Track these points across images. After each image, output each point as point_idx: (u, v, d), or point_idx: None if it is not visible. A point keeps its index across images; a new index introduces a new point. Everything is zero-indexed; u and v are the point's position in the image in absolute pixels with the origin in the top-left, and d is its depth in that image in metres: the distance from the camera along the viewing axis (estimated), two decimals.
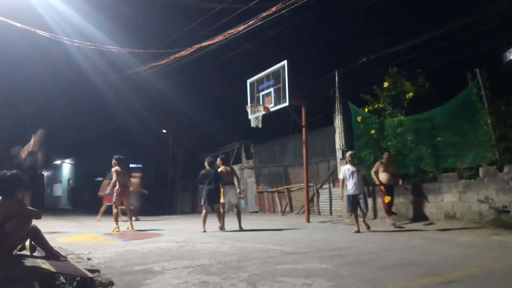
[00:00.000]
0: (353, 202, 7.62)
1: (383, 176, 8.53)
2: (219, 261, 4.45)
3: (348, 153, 7.97)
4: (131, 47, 13.14)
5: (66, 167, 36.81)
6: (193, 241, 6.36)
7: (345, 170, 7.79)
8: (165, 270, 3.98)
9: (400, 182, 8.84)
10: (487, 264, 4.08)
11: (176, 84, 20.81)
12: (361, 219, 7.76)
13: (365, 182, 7.83)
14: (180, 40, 13.41)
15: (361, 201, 7.54)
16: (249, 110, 11.14)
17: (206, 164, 8.44)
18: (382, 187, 8.54)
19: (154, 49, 13.43)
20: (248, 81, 11.54)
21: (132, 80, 16.41)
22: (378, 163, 8.77)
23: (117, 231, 8.13)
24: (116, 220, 8.46)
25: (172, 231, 8.44)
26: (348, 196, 7.67)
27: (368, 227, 7.74)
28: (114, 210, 8.59)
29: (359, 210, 7.66)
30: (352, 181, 7.59)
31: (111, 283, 3.41)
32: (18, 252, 4.38)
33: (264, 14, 9.82)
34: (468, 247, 5.32)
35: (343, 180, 7.80)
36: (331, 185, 12.97)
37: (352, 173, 7.62)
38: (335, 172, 12.22)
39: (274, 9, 9.61)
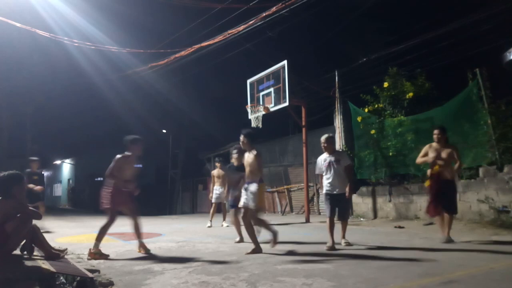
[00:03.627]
0: (329, 204, 5.49)
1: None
2: (219, 261, 4.45)
3: (322, 138, 5.75)
4: (131, 47, 13.19)
5: (66, 167, 36.82)
6: (193, 241, 6.36)
7: (321, 161, 5.70)
8: (165, 270, 3.98)
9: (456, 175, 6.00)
10: (487, 264, 4.07)
11: (176, 84, 20.84)
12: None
13: (350, 175, 5.61)
14: (180, 40, 13.45)
15: (340, 204, 5.48)
16: (249, 110, 11.14)
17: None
18: (428, 180, 5.92)
19: (154, 49, 13.48)
20: (248, 81, 11.54)
21: (132, 80, 16.45)
22: (427, 146, 6.01)
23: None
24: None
25: (172, 231, 8.44)
26: (324, 194, 5.63)
27: (348, 243, 5.48)
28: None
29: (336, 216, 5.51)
30: (329, 174, 5.53)
31: (111, 283, 3.42)
32: (19, 253, 4.38)
33: (264, 14, 9.84)
34: (468, 247, 5.31)
35: (322, 176, 5.69)
36: None
37: (329, 164, 5.55)
38: None
39: (274, 9, 9.64)
